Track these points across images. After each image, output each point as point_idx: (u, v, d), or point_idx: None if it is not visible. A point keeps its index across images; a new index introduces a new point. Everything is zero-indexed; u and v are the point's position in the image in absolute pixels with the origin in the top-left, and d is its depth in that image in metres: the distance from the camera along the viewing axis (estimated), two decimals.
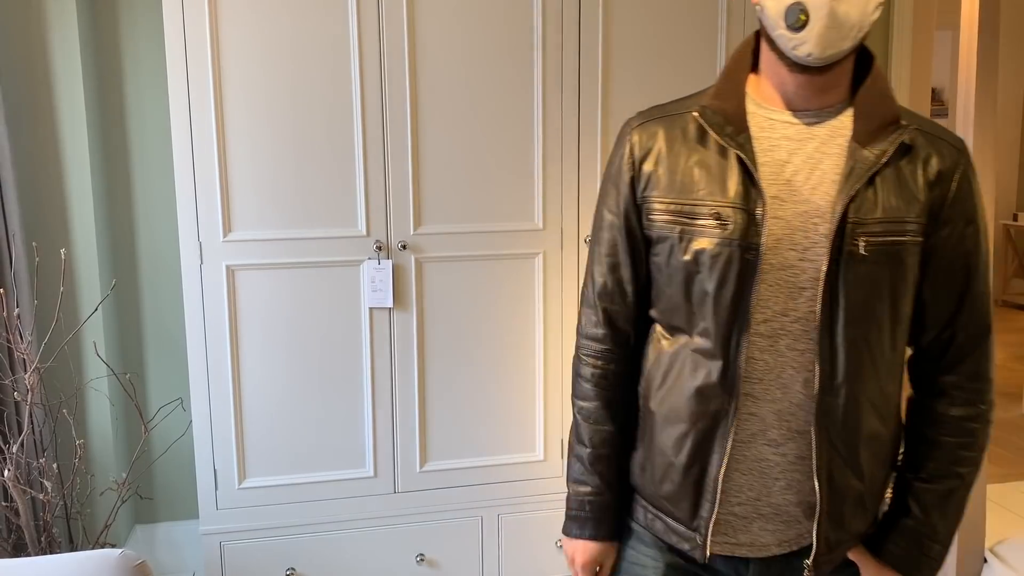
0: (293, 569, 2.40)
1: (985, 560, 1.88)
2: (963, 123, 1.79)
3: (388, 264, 2.32)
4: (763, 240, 1.12)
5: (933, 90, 8.35)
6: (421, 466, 2.43)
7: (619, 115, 2.39)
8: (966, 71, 1.78)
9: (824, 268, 1.11)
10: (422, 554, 2.46)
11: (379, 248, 2.31)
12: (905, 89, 3.20)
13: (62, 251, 2.27)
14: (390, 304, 2.33)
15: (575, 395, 1.32)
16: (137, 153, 2.61)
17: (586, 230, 2.42)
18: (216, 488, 2.33)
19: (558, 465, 2.51)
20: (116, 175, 2.61)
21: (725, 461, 1.17)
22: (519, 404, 2.47)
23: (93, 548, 2.30)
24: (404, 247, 2.32)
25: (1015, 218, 7.07)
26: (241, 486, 2.35)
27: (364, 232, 2.31)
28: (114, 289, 2.59)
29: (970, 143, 1.76)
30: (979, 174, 1.76)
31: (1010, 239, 7.16)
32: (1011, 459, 3.85)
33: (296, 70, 2.22)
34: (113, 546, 2.36)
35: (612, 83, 2.38)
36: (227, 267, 2.25)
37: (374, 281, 2.32)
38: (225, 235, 2.24)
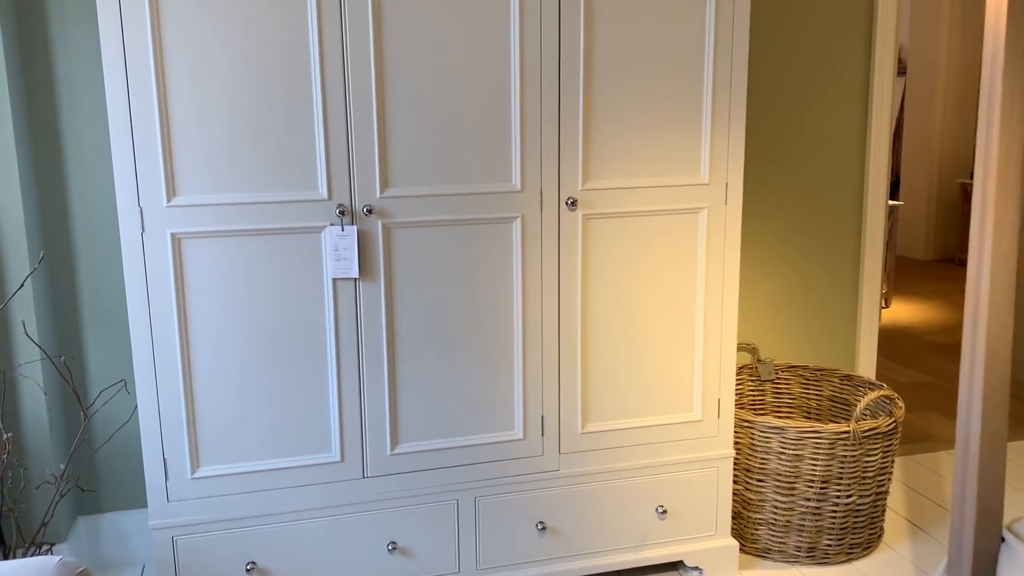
0: (254, 563, 2.20)
1: (1003, 539, 1.77)
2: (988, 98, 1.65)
3: (353, 230, 2.10)
4: None
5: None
6: (392, 449, 2.25)
7: (602, 66, 2.20)
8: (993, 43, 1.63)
9: None
10: (394, 542, 2.29)
11: (342, 213, 2.09)
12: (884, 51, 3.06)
13: None
14: (355, 274, 2.12)
15: None
16: (67, 106, 2.34)
17: (568, 191, 2.23)
18: (166, 479, 2.12)
19: (538, 444, 2.35)
20: (43, 132, 2.34)
21: None
22: (496, 380, 2.29)
23: (29, 547, 2.08)
24: (370, 211, 2.11)
25: (972, 176, 7.05)
26: (194, 476, 2.14)
27: (325, 195, 2.09)
28: (43, 261, 2.34)
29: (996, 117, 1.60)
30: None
31: (967, 198, 7.15)
32: None
33: (247, 13, 1.98)
34: (52, 545, 2.14)
35: (595, 30, 2.18)
36: (172, 235, 2.02)
37: (337, 249, 2.11)
38: (169, 199, 2.00)
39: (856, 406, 2.93)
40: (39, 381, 2.27)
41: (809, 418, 3.04)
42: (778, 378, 3.05)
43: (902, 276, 6.77)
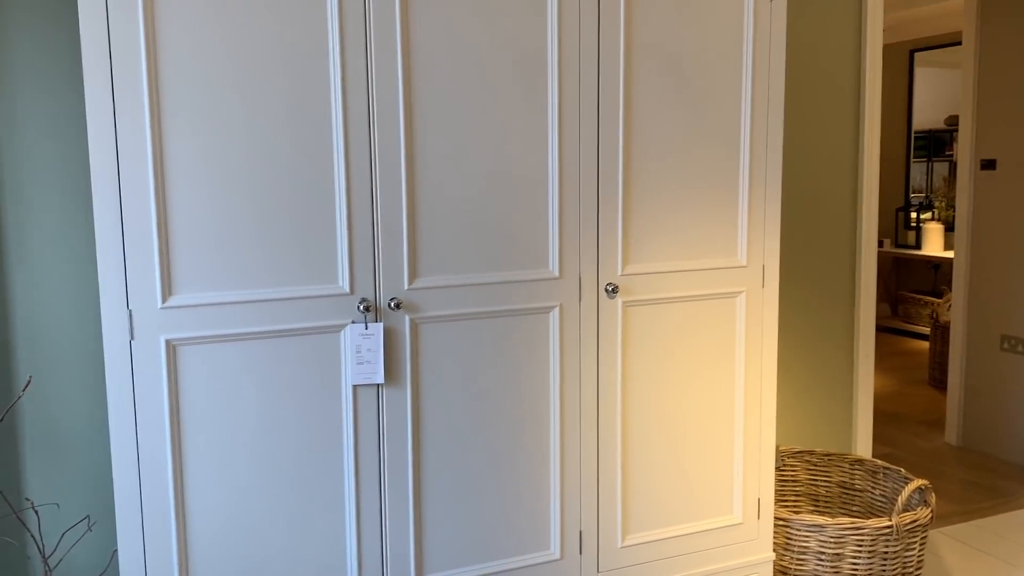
0: None
1: None
2: None
3: (378, 328, 1.81)
4: None
5: None
6: None
7: (642, 143, 2.02)
8: None
9: None
10: None
11: (367, 308, 1.80)
12: None
13: None
14: (381, 379, 1.82)
15: None
16: (9, 194, 1.96)
17: (607, 277, 2.02)
18: None
19: (575, 563, 2.07)
20: None
21: None
22: (532, 493, 2.02)
23: None
24: (398, 306, 1.83)
25: (880, 244, 7.31)
26: None
27: (347, 289, 1.80)
28: None
29: None
30: None
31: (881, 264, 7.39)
32: (959, 494, 3.76)
33: (255, 79, 1.69)
34: None
35: (635, 104, 2.01)
36: (167, 342, 1.67)
37: (360, 351, 1.81)
38: (164, 300, 1.66)
39: (867, 492, 2.80)
40: None
41: (818, 507, 2.88)
42: (783, 464, 2.89)
43: None
